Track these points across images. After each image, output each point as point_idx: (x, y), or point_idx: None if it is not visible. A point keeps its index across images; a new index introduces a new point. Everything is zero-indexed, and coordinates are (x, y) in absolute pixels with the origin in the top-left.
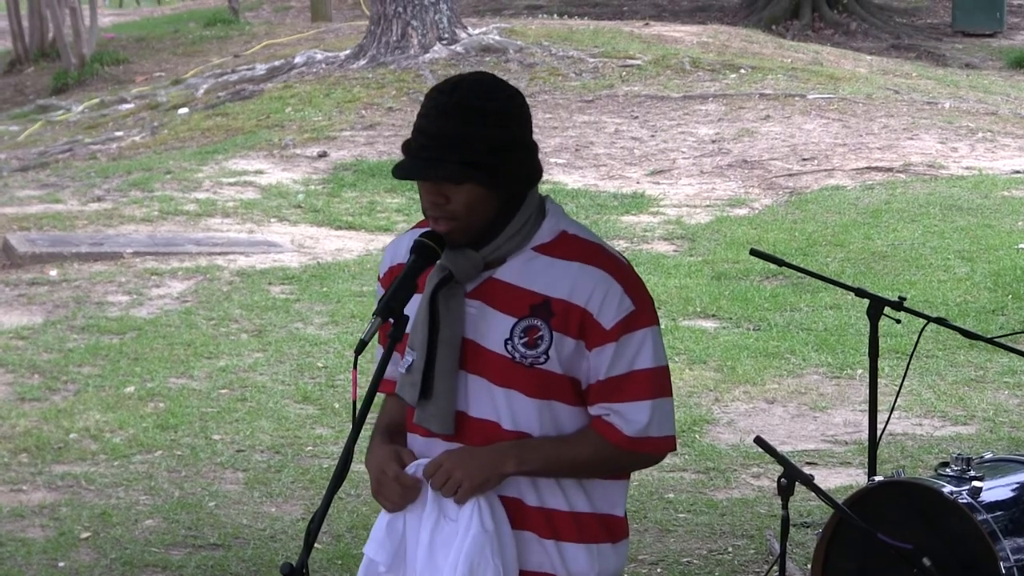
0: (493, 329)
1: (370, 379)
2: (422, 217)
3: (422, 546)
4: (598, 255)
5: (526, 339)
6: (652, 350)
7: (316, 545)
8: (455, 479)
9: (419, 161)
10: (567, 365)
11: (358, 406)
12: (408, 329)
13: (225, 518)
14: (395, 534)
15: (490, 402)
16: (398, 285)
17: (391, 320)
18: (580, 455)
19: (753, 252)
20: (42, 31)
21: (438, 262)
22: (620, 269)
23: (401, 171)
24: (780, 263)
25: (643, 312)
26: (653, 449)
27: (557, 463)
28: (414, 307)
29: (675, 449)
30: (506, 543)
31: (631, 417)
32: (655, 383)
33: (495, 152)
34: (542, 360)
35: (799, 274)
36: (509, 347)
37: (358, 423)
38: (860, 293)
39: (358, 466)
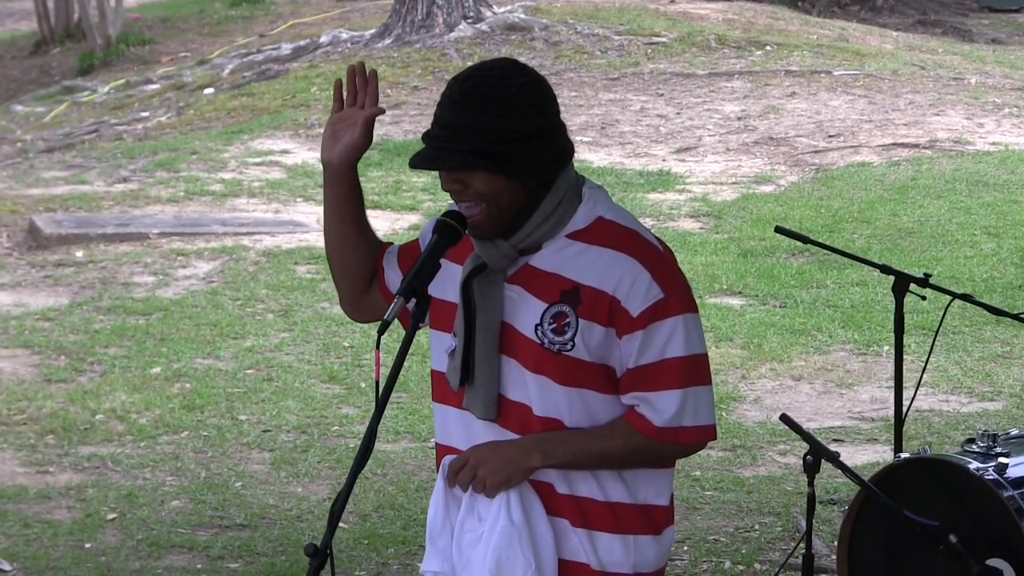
0: (527, 314)
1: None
2: (447, 196)
3: (453, 545)
4: (631, 242)
5: (554, 325)
6: (684, 338)
7: (342, 525)
8: (480, 476)
9: (430, 151)
10: (597, 353)
11: (381, 386)
12: (447, 295)
13: (251, 498)
14: (435, 544)
15: (523, 386)
16: (420, 265)
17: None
18: (609, 447)
19: (778, 229)
20: (67, 12)
21: (473, 252)
22: (652, 256)
23: (413, 160)
24: (805, 240)
25: (674, 300)
26: (687, 439)
27: (586, 456)
28: (453, 290)
29: (715, 438)
30: (541, 534)
31: (660, 406)
32: (687, 371)
33: (504, 141)
34: (568, 347)
35: (825, 251)
36: (539, 333)
37: (381, 403)
38: (885, 270)
39: (384, 445)
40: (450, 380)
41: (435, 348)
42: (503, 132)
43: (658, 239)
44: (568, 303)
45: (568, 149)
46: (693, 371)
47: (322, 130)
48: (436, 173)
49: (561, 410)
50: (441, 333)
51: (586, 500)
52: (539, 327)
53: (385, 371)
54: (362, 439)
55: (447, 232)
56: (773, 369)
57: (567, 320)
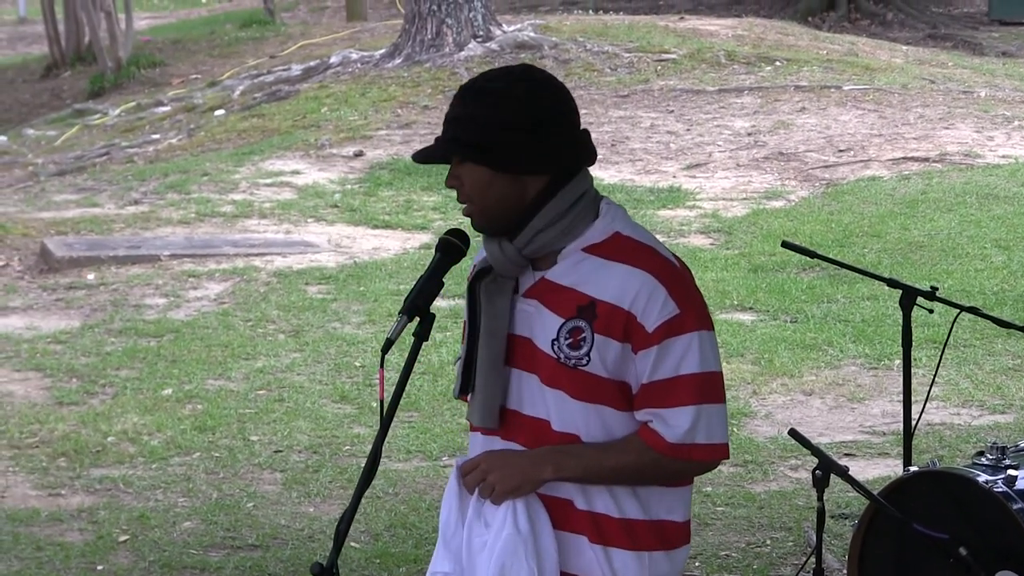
0: (545, 329)
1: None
2: (458, 215)
3: (464, 548)
4: (647, 257)
5: (570, 340)
6: (699, 355)
7: (354, 544)
8: (489, 481)
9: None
10: (613, 368)
11: (386, 405)
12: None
13: (263, 519)
14: (448, 545)
15: (541, 401)
16: (423, 283)
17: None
18: (621, 462)
19: (785, 244)
20: (78, 35)
21: (483, 256)
22: (668, 272)
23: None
24: (811, 255)
25: (689, 316)
26: (699, 456)
27: (598, 470)
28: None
29: (728, 457)
30: (545, 546)
31: (673, 422)
32: (701, 388)
33: (488, 131)
34: (584, 362)
35: (835, 266)
36: (555, 348)
37: (386, 422)
38: (892, 283)
39: (396, 464)
40: (456, 386)
41: None
42: (485, 122)
43: (675, 256)
44: (584, 318)
45: (563, 152)
46: (707, 388)
47: (332, 150)
48: (447, 191)
49: (578, 426)
50: None
51: (603, 516)
52: (555, 342)
53: (391, 390)
54: (367, 458)
55: (449, 250)
56: (784, 384)
57: (583, 335)
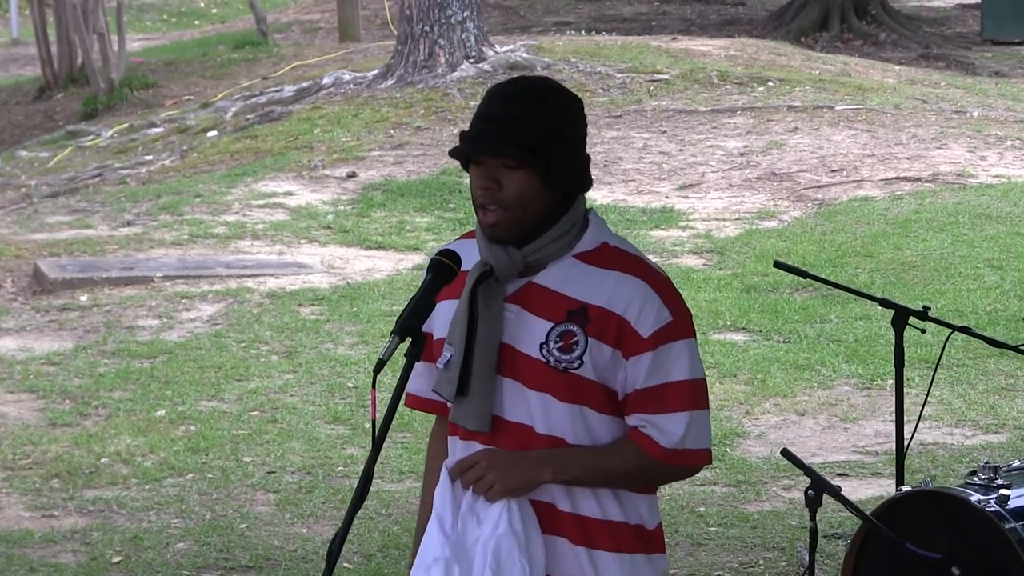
0: (530, 333)
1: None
2: (453, 237)
3: (458, 543)
4: (638, 266)
5: (561, 344)
6: (689, 362)
7: (347, 565)
8: (488, 479)
9: (479, 142)
10: (601, 372)
11: (378, 425)
12: (439, 332)
13: (256, 540)
14: (446, 533)
15: (524, 406)
16: (415, 303)
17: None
18: (617, 466)
19: (777, 264)
20: (71, 57)
21: (479, 258)
22: (659, 281)
23: (459, 151)
24: (804, 275)
25: (680, 324)
26: (689, 462)
27: (594, 473)
28: (449, 310)
29: (710, 462)
30: (535, 547)
31: (667, 429)
32: (692, 395)
33: (552, 142)
34: (576, 365)
35: (828, 286)
36: (544, 351)
37: (378, 443)
38: (884, 303)
39: (389, 485)
40: (443, 391)
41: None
42: (553, 133)
43: (658, 266)
44: (576, 322)
45: (589, 172)
46: (697, 395)
47: (325, 171)
48: (440, 211)
49: (564, 428)
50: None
51: (588, 519)
52: (544, 346)
53: (382, 411)
54: (359, 478)
55: (442, 271)
56: (777, 404)
57: (575, 339)
